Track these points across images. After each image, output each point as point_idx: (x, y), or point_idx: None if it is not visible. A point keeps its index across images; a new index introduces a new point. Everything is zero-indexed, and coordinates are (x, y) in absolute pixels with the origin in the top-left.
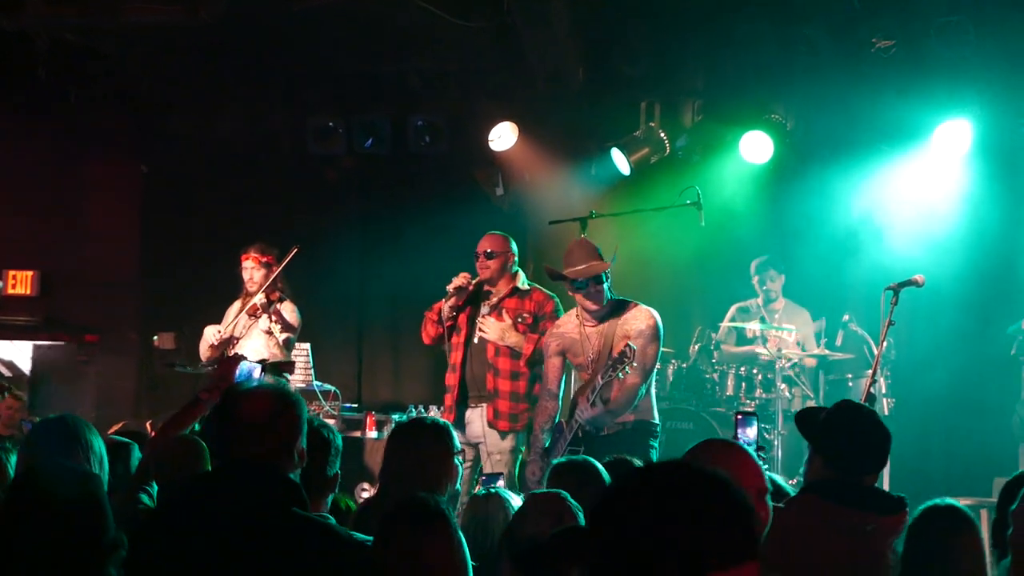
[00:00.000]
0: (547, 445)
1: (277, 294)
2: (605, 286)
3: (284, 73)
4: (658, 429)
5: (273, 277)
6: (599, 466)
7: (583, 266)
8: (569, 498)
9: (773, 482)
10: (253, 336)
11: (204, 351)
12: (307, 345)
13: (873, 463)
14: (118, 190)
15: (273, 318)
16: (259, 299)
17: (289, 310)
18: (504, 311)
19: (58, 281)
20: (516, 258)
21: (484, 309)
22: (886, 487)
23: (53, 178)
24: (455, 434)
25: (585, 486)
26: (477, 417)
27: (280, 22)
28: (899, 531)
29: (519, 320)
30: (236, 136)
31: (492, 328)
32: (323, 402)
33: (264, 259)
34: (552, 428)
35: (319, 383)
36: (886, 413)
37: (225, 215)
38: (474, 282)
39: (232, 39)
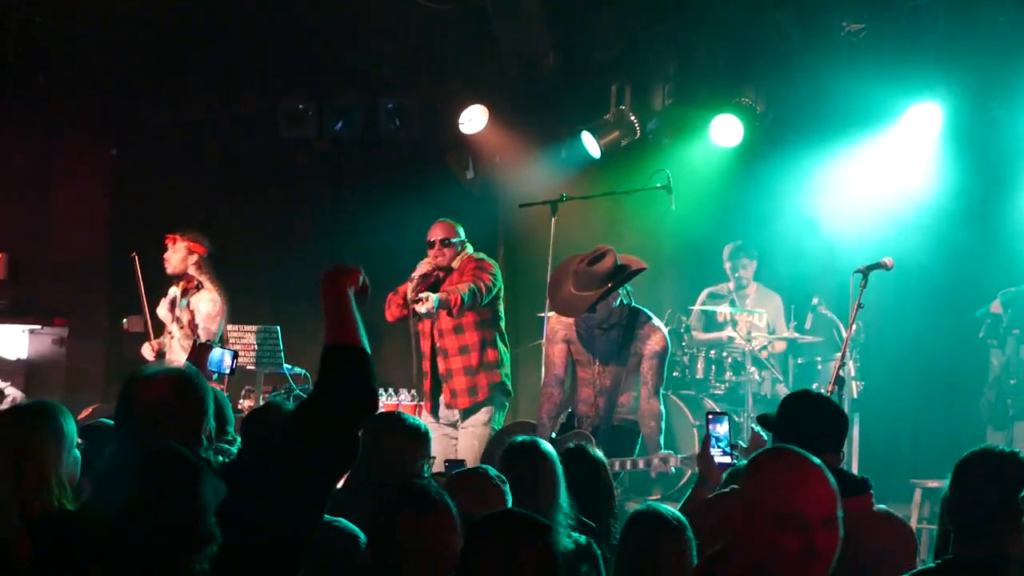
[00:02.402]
0: (554, 437)
1: (193, 282)
2: (619, 299)
3: (255, 56)
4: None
5: (187, 262)
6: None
7: (588, 293)
8: (490, 471)
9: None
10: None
11: (148, 352)
12: (277, 328)
13: (826, 440)
14: (87, 173)
15: (185, 311)
16: (174, 291)
17: (206, 299)
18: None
19: (27, 265)
20: (462, 236)
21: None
22: (855, 468)
23: (22, 161)
24: (431, 440)
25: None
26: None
27: (251, 5)
28: (865, 513)
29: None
30: (206, 119)
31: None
32: (293, 385)
33: (183, 242)
34: (557, 416)
35: (289, 366)
36: (855, 396)
37: (195, 199)
38: (437, 268)
39: (202, 22)
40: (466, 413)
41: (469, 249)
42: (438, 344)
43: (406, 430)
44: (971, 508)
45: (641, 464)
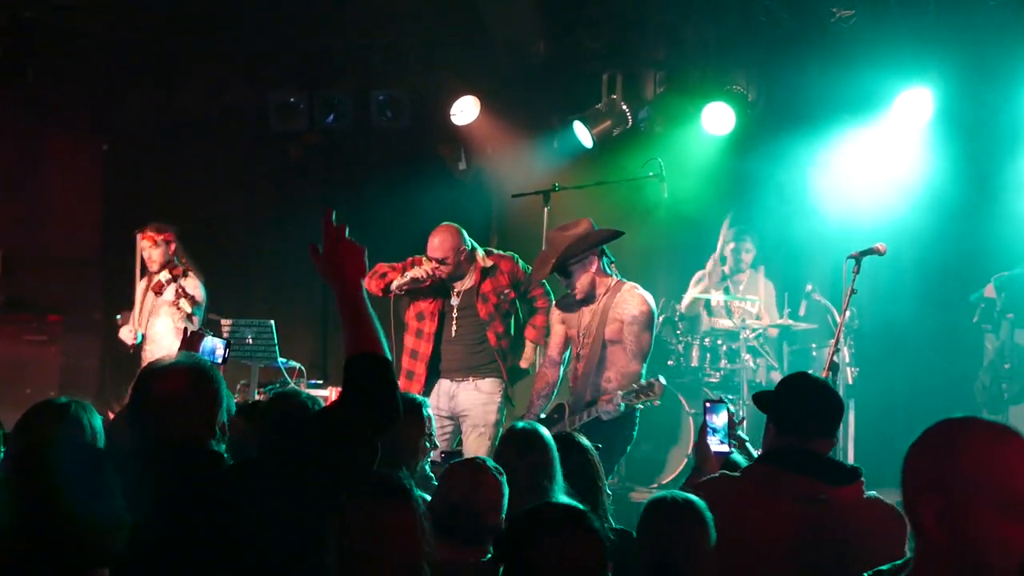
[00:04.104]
0: (542, 416)
1: (180, 269)
2: (578, 278)
3: (244, 49)
4: (637, 414)
5: (169, 252)
6: (545, 433)
7: (548, 265)
8: (489, 463)
9: (729, 456)
10: (162, 314)
11: (127, 336)
12: (271, 322)
13: (820, 425)
14: (79, 168)
15: (180, 292)
16: (163, 276)
17: (192, 285)
18: (486, 298)
19: (20, 261)
20: (468, 245)
21: (454, 300)
22: (850, 454)
23: (13, 157)
24: (429, 412)
25: (529, 452)
26: (462, 391)
27: None
28: (857, 501)
29: (502, 298)
30: (197, 112)
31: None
32: (288, 379)
33: (160, 237)
34: (549, 395)
35: (283, 360)
36: (850, 382)
37: (187, 192)
38: (431, 277)
39: (192, 16)
40: (475, 411)
41: (480, 251)
42: (496, 346)
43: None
44: None
45: (593, 412)
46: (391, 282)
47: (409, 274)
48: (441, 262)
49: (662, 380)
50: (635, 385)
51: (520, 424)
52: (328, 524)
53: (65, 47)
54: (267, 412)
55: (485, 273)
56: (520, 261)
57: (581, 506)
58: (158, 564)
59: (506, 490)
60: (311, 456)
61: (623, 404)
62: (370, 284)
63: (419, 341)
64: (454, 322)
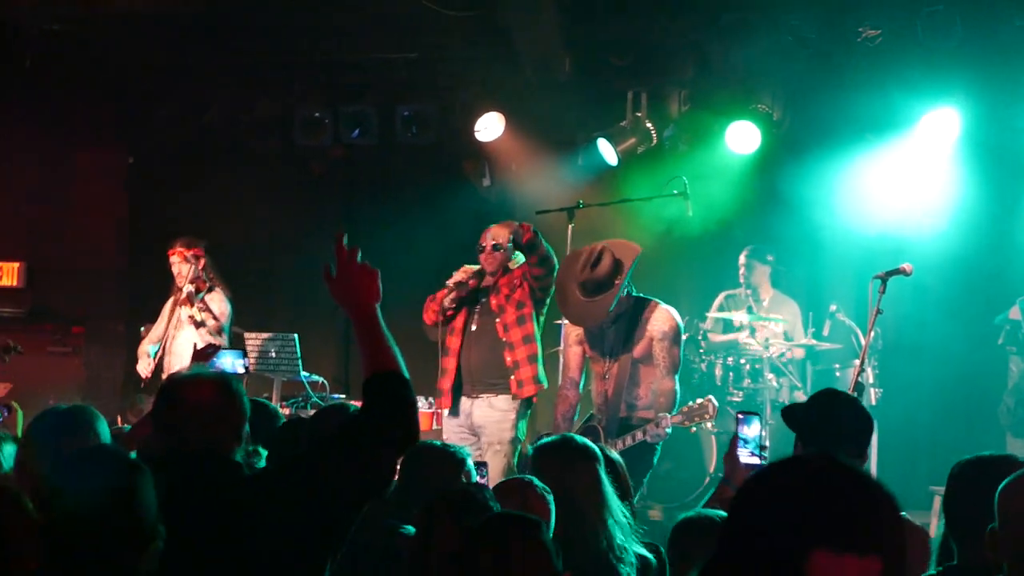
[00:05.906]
0: None
1: (205, 284)
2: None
3: (270, 63)
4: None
5: (198, 268)
6: (586, 442)
7: (600, 296)
8: (536, 482)
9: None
10: (185, 327)
11: (144, 368)
12: (295, 336)
13: (849, 442)
14: (104, 180)
15: (200, 306)
16: (187, 289)
17: (217, 299)
18: (498, 290)
19: (44, 272)
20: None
21: (480, 302)
22: (873, 475)
23: (39, 168)
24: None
25: (572, 464)
26: (476, 408)
27: (266, 12)
28: None
29: (512, 287)
30: (222, 126)
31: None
32: (311, 392)
33: (190, 252)
34: (573, 417)
35: (306, 373)
36: (873, 403)
37: (211, 206)
38: (474, 274)
39: (218, 28)
40: (490, 427)
41: (519, 259)
42: (504, 339)
43: (446, 458)
44: (968, 514)
45: (639, 436)
46: (442, 301)
47: (450, 281)
48: (496, 248)
49: (715, 401)
50: (685, 407)
51: (547, 439)
52: (342, 539)
53: (91, 61)
54: (312, 427)
55: (506, 271)
56: None
57: (534, 517)
58: (177, 572)
59: (553, 506)
60: (326, 471)
61: (671, 427)
62: (427, 316)
63: (452, 337)
64: (475, 321)
